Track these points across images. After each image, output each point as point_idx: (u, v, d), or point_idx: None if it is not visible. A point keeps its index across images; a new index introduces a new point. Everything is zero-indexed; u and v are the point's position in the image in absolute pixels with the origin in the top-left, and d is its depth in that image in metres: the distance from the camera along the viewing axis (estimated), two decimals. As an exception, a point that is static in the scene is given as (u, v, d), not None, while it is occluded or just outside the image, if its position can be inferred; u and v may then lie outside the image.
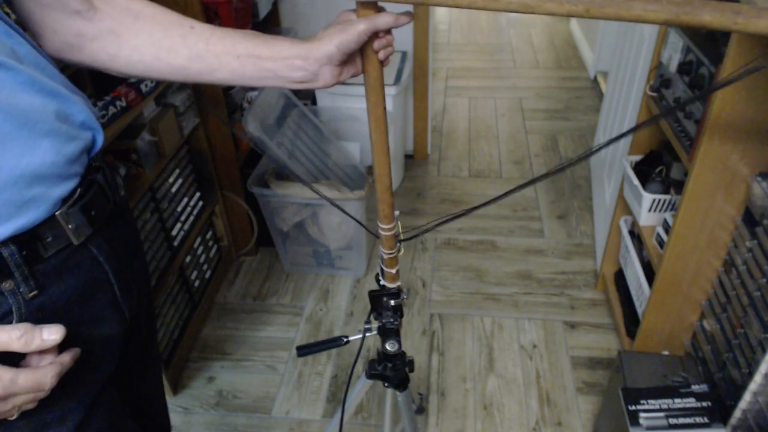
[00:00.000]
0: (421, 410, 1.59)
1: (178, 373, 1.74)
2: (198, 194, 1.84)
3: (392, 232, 0.81)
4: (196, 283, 1.87)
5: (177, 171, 1.69)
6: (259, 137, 1.84)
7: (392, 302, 0.90)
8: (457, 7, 0.57)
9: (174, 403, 1.67)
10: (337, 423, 1.08)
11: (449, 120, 3.18)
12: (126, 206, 0.76)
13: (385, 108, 0.71)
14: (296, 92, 2.25)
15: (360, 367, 1.73)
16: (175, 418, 1.63)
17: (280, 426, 1.60)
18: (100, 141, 0.66)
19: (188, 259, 1.79)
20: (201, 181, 1.87)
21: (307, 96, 2.40)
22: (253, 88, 2.09)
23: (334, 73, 0.67)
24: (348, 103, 2.29)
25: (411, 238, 0.84)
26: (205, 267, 1.94)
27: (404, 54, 2.42)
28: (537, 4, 0.53)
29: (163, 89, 1.57)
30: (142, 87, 1.44)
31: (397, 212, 0.80)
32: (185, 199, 1.75)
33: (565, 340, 1.82)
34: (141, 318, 0.81)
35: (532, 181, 0.71)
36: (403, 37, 2.44)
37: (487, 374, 1.73)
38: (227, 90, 1.94)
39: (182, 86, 1.68)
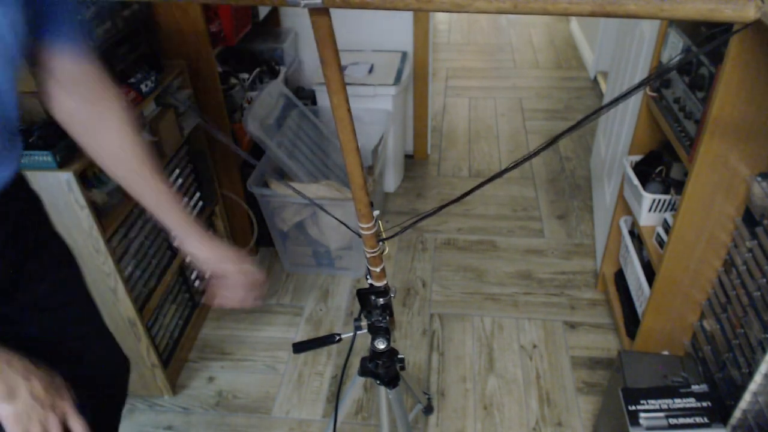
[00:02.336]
0: (430, 410, 1.59)
1: (178, 373, 1.74)
2: (198, 194, 1.84)
3: (372, 231, 0.82)
4: (196, 283, 1.87)
5: (177, 171, 1.69)
6: (259, 137, 1.84)
7: (380, 300, 0.92)
8: (394, 9, 0.57)
9: (174, 403, 1.67)
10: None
11: (449, 120, 3.18)
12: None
13: (348, 108, 0.72)
14: (296, 92, 2.26)
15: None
16: (175, 418, 1.63)
17: (280, 426, 1.60)
18: None
19: (188, 258, 1.79)
20: (201, 181, 1.87)
21: (308, 96, 2.40)
22: (253, 88, 2.09)
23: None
24: (348, 103, 2.28)
25: (392, 236, 0.85)
26: (205, 267, 1.93)
27: (404, 54, 2.42)
28: (468, 3, 0.53)
29: (163, 89, 1.57)
30: (142, 87, 1.44)
31: (377, 212, 0.81)
32: (185, 199, 1.75)
33: (565, 340, 1.82)
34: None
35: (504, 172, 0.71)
36: (403, 38, 2.44)
37: (487, 374, 1.73)
38: (228, 90, 1.94)
39: (182, 86, 1.68)
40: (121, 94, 0.89)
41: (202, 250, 0.96)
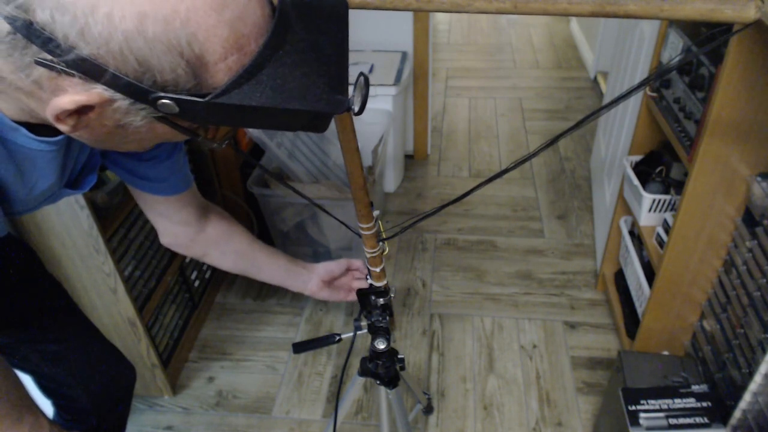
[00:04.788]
0: (430, 410, 1.59)
1: (178, 373, 1.74)
2: (198, 194, 1.84)
3: (372, 231, 0.82)
4: (196, 283, 1.87)
5: (177, 171, 1.69)
6: (258, 137, 1.84)
7: (380, 301, 0.92)
8: (394, 9, 0.57)
9: (174, 403, 1.67)
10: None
11: (449, 120, 3.18)
12: None
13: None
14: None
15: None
16: (175, 418, 1.63)
17: (280, 426, 1.60)
18: None
19: (188, 259, 1.79)
20: (201, 181, 1.87)
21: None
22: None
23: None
24: (348, 103, 2.28)
25: (392, 236, 0.85)
26: (205, 267, 1.94)
27: (404, 54, 2.42)
28: (468, 3, 0.53)
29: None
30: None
31: (377, 212, 0.81)
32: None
33: (565, 340, 1.82)
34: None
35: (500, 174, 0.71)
36: (403, 38, 2.44)
37: (487, 374, 1.73)
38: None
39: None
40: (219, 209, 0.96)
41: (316, 282, 1.00)
